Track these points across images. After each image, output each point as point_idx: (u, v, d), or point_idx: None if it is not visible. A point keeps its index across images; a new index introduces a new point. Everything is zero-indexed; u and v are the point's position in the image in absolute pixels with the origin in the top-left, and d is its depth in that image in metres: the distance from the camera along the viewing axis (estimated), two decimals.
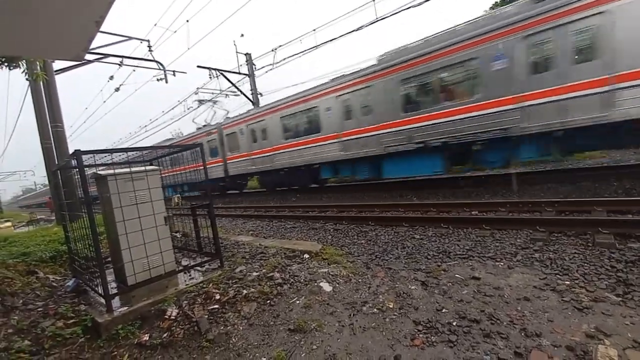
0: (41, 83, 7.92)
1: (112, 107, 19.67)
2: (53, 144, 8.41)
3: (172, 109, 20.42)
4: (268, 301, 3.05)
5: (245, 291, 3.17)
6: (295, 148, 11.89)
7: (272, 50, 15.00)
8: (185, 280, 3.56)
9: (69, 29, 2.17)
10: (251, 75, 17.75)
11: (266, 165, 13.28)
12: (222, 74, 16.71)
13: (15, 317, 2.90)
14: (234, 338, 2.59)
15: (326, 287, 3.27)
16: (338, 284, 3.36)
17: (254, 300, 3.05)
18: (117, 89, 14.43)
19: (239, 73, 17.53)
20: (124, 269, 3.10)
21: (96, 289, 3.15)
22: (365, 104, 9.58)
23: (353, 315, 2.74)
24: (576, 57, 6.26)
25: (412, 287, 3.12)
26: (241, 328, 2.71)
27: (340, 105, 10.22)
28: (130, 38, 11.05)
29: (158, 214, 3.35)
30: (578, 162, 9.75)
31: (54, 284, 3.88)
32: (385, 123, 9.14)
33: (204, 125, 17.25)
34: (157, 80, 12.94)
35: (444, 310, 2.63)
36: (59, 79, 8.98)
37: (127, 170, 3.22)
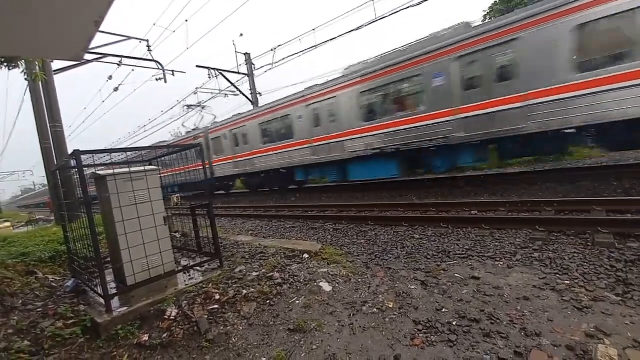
0: (40, 83, 7.91)
1: (111, 107, 19.64)
2: (52, 144, 8.38)
3: (171, 108, 20.43)
4: (268, 301, 3.05)
5: (245, 291, 3.17)
6: (272, 152, 12.70)
7: (272, 50, 15.02)
8: (184, 281, 3.56)
9: (69, 29, 2.17)
10: (250, 75, 17.75)
11: (247, 168, 14.05)
12: (221, 73, 16.71)
13: (15, 318, 2.90)
14: (233, 338, 2.59)
15: (326, 287, 3.27)
16: (338, 283, 3.36)
17: (253, 300, 3.05)
18: (116, 89, 14.41)
19: (239, 73, 17.54)
20: (123, 269, 3.10)
21: (95, 289, 3.15)
22: (332, 112, 10.40)
23: (353, 315, 2.74)
24: (499, 76, 7.16)
25: (412, 287, 3.12)
26: (241, 328, 2.71)
27: (311, 113, 11.03)
28: (129, 38, 11.03)
29: (157, 214, 3.35)
30: (577, 162, 9.78)
31: (54, 284, 3.87)
32: (348, 130, 10.02)
33: (193, 129, 17.62)
34: (156, 80, 12.97)
35: (443, 310, 2.63)
36: (57, 78, 8.97)
37: (127, 170, 3.22)
